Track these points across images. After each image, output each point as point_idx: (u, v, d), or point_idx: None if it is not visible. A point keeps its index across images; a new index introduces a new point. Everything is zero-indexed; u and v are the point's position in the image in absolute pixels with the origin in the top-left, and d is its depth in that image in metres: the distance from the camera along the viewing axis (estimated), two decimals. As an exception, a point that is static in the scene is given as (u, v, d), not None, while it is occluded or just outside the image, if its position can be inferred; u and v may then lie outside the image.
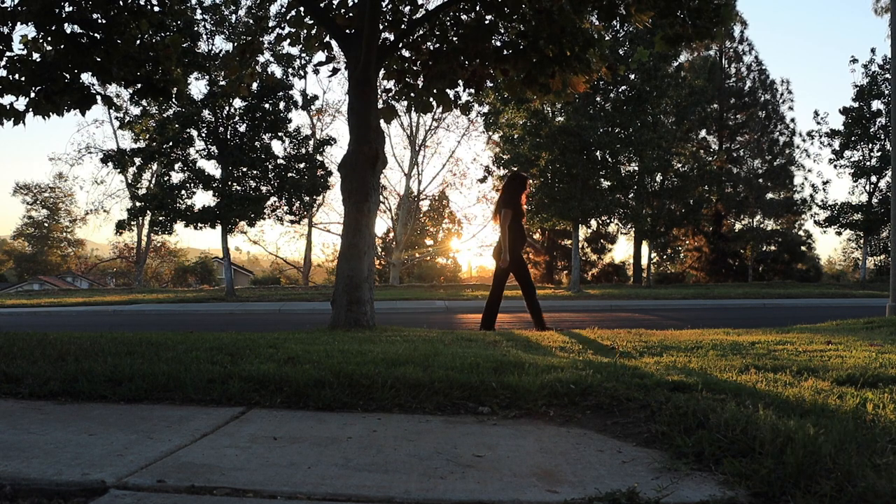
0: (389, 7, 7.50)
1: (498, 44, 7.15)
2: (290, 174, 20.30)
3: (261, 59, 13.97)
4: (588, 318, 10.80)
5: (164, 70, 6.68)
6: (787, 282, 27.49)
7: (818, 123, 44.40)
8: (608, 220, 24.68)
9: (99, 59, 6.19)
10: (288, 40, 7.84)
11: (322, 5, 7.40)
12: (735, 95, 33.90)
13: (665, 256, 35.58)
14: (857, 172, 25.34)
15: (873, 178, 25.27)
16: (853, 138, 25.17)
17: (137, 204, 19.95)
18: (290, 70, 20.35)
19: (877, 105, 24.67)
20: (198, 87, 57.16)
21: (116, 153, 20.19)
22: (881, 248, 27.77)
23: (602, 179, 22.84)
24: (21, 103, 6.24)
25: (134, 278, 39.37)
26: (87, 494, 1.87)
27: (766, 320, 8.58)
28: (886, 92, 23.43)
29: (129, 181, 24.67)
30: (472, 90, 7.51)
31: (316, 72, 24.56)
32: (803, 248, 35.57)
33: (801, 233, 35.17)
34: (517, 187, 7.14)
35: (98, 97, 6.51)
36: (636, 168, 24.13)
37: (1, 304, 18.25)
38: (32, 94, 6.20)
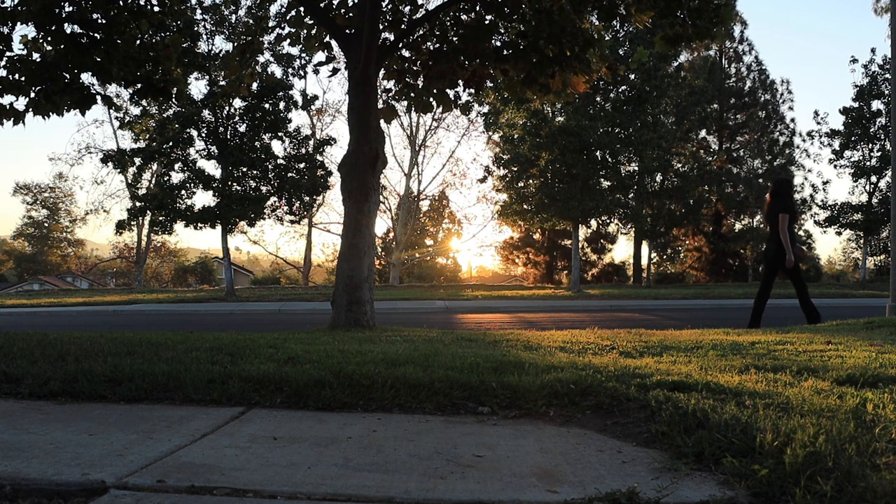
0: (389, 7, 7.50)
1: (498, 44, 7.15)
2: (290, 174, 20.31)
3: (261, 59, 13.98)
4: (588, 318, 10.80)
5: (164, 70, 6.68)
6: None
7: (818, 123, 44.43)
8: (608, 220, 24.71)
9: (99, 59, 6.19)
10: (288, 40, 7.84)
11: (322, 5, 7.40)
12: (735, 95, 33.90)
13: (665, 256, 35.59)
14: (857, 172, 25.35)
15: (873, 178, 25.28)
16: (853, 138, 25.17)
17: (137, 204, 19.95)
18: (290, 70, 20.36)
19: (877, 105, 24.68)
20: (198, 87, 57.21)
21: (116, 153, 20.19)
22: (881, 248, 27.77)
23: (602, 179, 22.85)
24: (21, 103, 6.24)
25: (134, 278, 39.37)
26: (87, 494, 1.87)
27: (766, 320, 8.57)
28: (886, 92, 23.43)
29: (129, 181, 24.64)
30: (472, 90, 7.51)
31: (316, 72, 24.56)
32: (803, 248, 35.56)
33: (801, 233, 35.19)
34: (789, 191, 7.62)
35: (98, 97, 6.51)
36: (636, 168, 24.14)
37: (1, 304, 18.25)
38: (32, 94, 6.19)
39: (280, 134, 20.15)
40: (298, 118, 79.01)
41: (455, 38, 7.30)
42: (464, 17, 7.53)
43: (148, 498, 1.84)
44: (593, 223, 25.27)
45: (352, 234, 6.84)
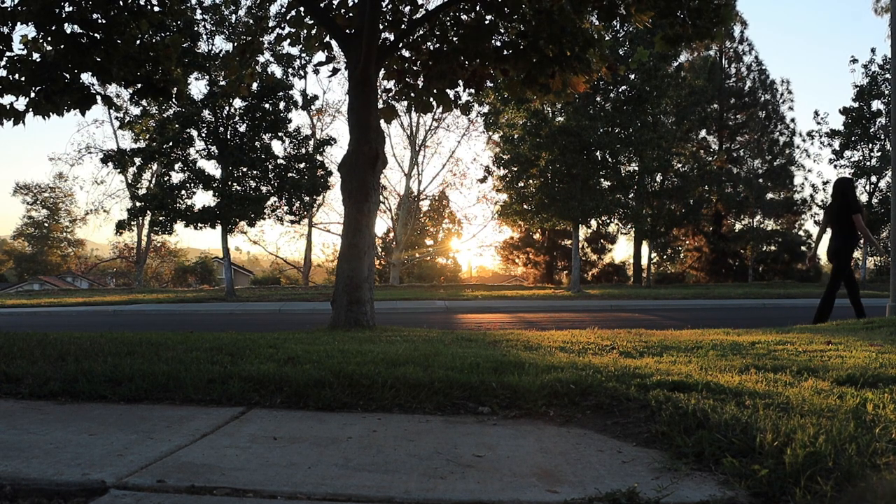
0: (389, 7, 7.50)
1: (498, 44, 7.15)
2: (290, 174, 20.31)
3: (261, 59, 13.99)
4: (588, 318, 10.80)
5: (164, 70, 6.68)
6: (787, 282, 27.50)
7: (818, 123, 44.45)
8: (608, 220, 24.71)
9: (99, 59, 6.19)
10: (288, 40, 7.84)
11: (322, 5, 7.40)
12: (735, 95, 33.88)
13: (665, 256, 35.59)
14: (858, 172, 25.36)
15: (873, 178, 25.29)
16: (853, 138, 25.19)
17: (137, 204, 19.95)
18: (290, 70, 20.36)
19: (877, 105, 24.69)
20: (198, 87, 57.14)
21: (116, 153, 20.18)
22: (881, 248, 27.76)
23: (602, 179, 22.85)
24: (21, 103, 6.24)
25: (134, 278, 39.36)
26: (87, 494, 1.87)
27: (766, 320, 8.57)
28: (886, 92, 23.43)
29: (129, 181, 24.65)
30: (472, 90, 7.51)
31: (316, 72, 24.56)
32: (803, 248, 35.56)
33: (801, 233, 35.17)
34: (852, 190, 7.89)
35: (98, 97, 6.51)
36: (636, 168, 24.15)
37: (1, 304, 18.25)
38: (32, 94, 6.19)
39: (280, 134, 20.15)
40: (298, 118, 79.00)
41: (455, 38, 7.30)
42: (464, 17, 7.53)
43: (148, 498, 1.84)
44: (593, 223, 25.27)
45: (352, 234, 6.84)
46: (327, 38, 7.71)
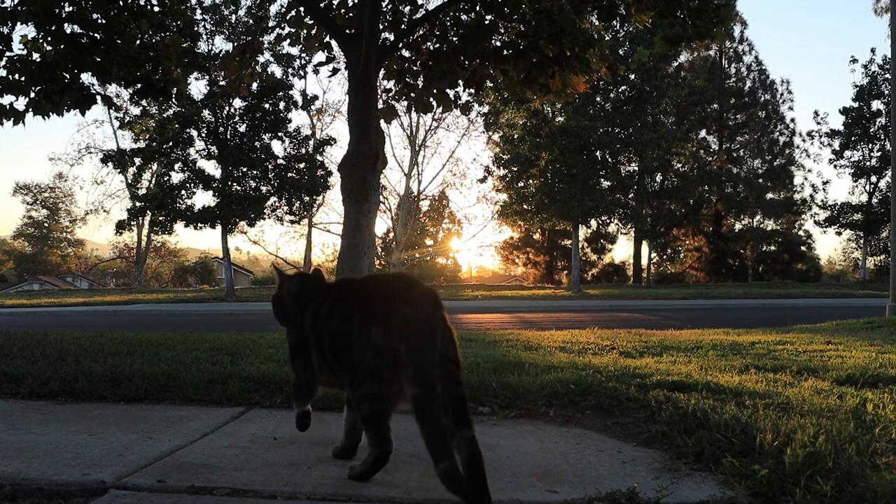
0: (389, 7, 7.50)
1: (498, 44, 7.15)
2: (290, 174, 20.34)
3: (261, 59, 13.98)
4: (588, 318, 10.80)
5: (164, 70, 6.68)
6: (787, 282, 27.52)
7: (818, 123, 44.40)
8: (608, 220, 24.77)
9: (99, 59, 6.19)
10: (288, 40, 7.83)
11: (322, 5, 7.40)
12: (735, 95, 33.90)
13: (665, 256, 35.62)
14: (857, 172, 25.40)
15: (873, 178, 25.31)
16: (853, 138, 25.22)
17: (137, 204, 19.98)
18: (290, 70, 20.39)
19: (877, 105, 24.72)
20: (198, 87, 57.05)
21: (116, 153, 20.21)
22: (881, 248, 27.81)
23: (602, 179, 22.88)
24: (21, 103, 6.23)
25: (134, 278, 39.37)
26: (87, 494, 1.87)
27: (766, 320, 8.58)
28: (886, 92, 23.45)
29: (129, 181, 24.68)
30: (472, 90, 7.50)
31: (316, 72, 24.57)
32: (803, 248, 35.58)
33: (801, 233, 35.20)
34: None
35: (98, 97, 6.50)
36: (636, 168, 24.17)
37: (1, 304, 18.25)
38: (32, 94, 6.19)
39: (280, 134, 20.19)
40: (298, 118, 79.10)
41: (455, 38, 7.30)
42: (464, 17, 7.53)
43: (148, 498, 1.84)
44: (593, 223, 25.32)
45: (351, 235, 6.83)
46: (327, 38, 7.70)
